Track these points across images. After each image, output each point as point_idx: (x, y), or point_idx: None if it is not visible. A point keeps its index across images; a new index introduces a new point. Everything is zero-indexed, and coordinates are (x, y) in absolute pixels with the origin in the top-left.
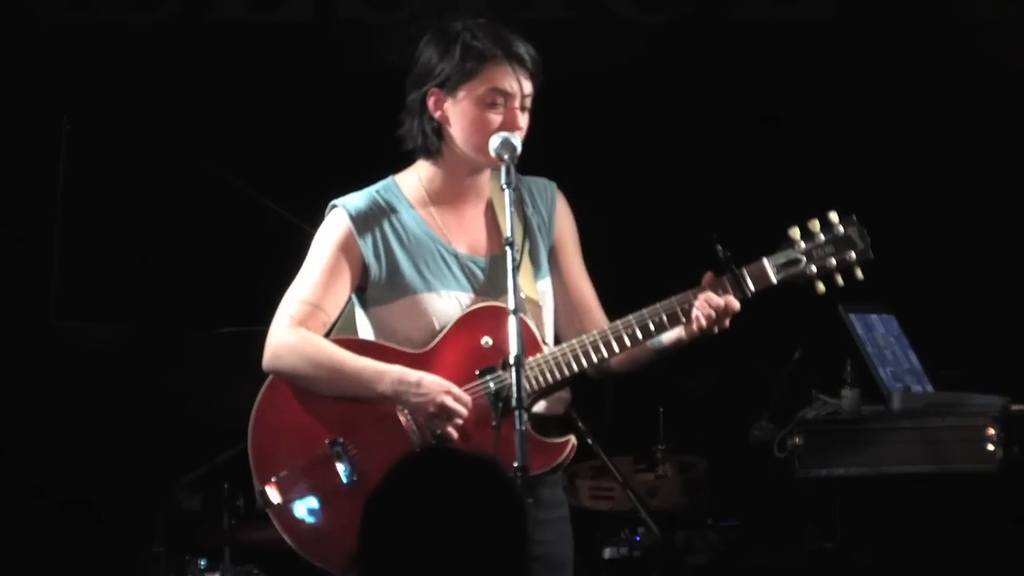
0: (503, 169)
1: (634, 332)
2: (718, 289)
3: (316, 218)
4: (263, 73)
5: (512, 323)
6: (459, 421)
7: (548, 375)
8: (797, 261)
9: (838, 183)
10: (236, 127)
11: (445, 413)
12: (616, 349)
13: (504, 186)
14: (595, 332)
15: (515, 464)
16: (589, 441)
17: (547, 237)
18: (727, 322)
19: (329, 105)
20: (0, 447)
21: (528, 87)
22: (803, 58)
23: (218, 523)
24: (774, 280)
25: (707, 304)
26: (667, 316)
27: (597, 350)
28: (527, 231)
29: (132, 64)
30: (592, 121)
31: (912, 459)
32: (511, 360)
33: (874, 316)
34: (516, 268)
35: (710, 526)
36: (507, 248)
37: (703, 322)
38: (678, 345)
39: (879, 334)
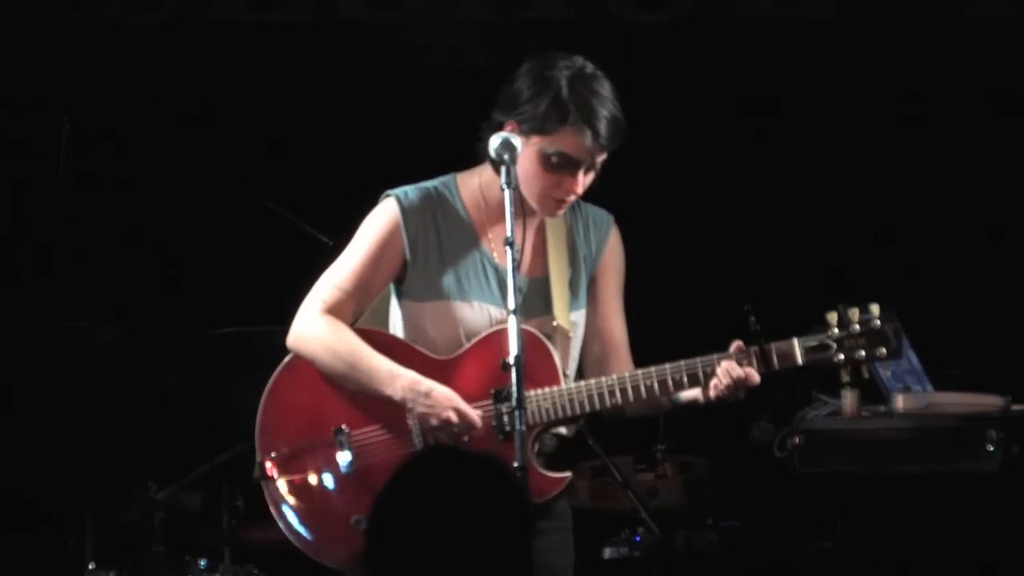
0: (503, 170)
1: (652, 385)
2: (743, 360)
3: (314, 218)
4: (263, 73)
5: (512, 323)
6: (464, 438)
7: (560, 410)
8: (827, 347)
9: (838, 183)
10: (236, 127)
11: (448, 428)
12: (631, 397)
13: (504, 186)
14: (615, 376)
15: (514, 464)
16: (589, 441)
17: (589, 268)
18: (743, 393)
19: (329, 105)
20: (0, 447)
21: (601, 156)
22: (803, 58)
23: (218, 523)
24: (800, 362)
25: (728, 374)
26: (688, 376)
27: (612, 395)
28: (571, 260)
29: (132, 64)
30: None
31: (912, 459)
32: (511, 361)
33: None
34: (516, 268)
35: (710, 526)
36: (507, 248)
37: (721, 390)
38: (693, 405)
39: None
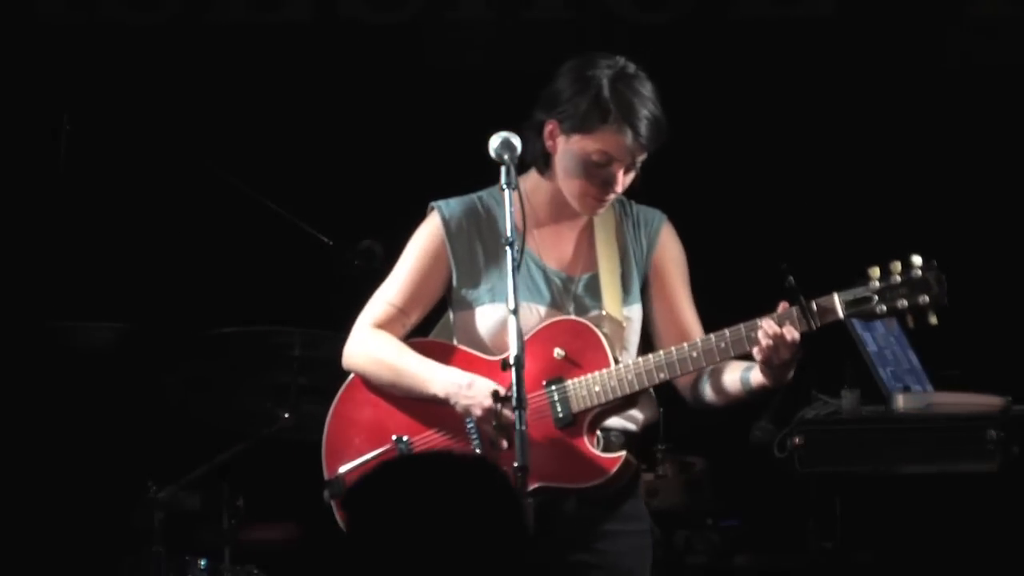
0: (503, 170)
1: (698, 355)
2: (784, 320)
3: (314, 218)
4: (263, 73)
5: (512, 323)
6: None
7: (610, 391)
8: (868, 299)
9: (838, 183)
10: (236, 127)
11: (491, 416)
12: (679, 371)
13: (504, 186)
14: (660, 352)
15: (515, 464)
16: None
17: (641, 266)
18: (788, 353)
19: (328, 105)
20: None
21: (641, 157)
22: (803, 58)
23: (218, 523)
24: (841, 315)
25: (767, 334)
26: (732, 341)
27: (660, 370)
28: (622, 257)
29: (132, 64)
30: None
31: (912, 459)
32: (511, 360)
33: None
34: (516, 268)
35: (710, 526)
36: (507, 248)
37: (764, 352)
38: (763, 387)
39: (879, 334)
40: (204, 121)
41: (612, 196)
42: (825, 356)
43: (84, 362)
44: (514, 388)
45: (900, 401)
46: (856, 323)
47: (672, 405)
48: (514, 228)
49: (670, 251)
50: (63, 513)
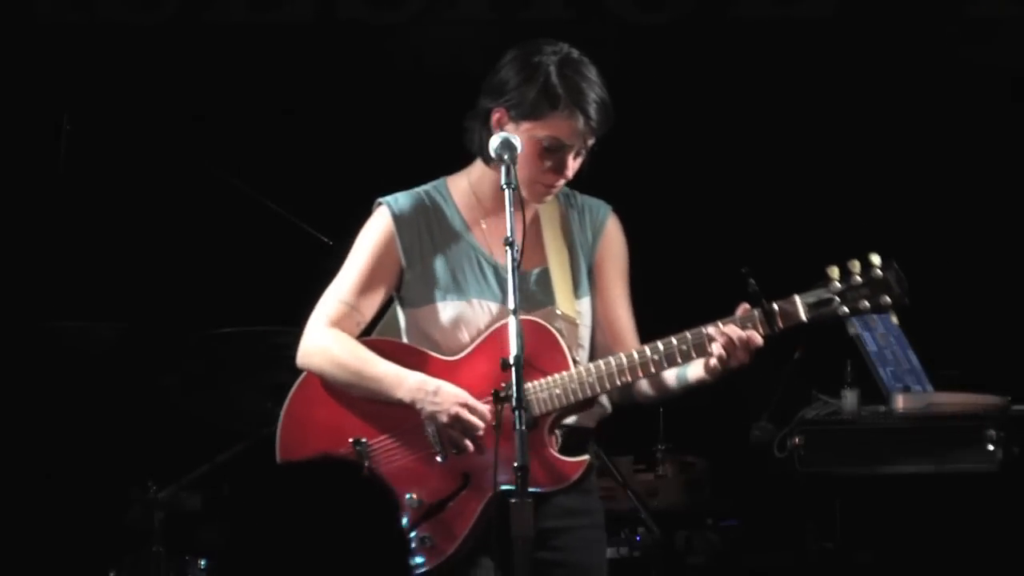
0: (503, 169)
1: (660, 359)
2: (747, 323)
3: (314, 218)
4: (263, 73)
5: (512, 324)
6: (477, 432)
7: (571, 395)
8: (830, 301)
9: (838, 182)
10: (236, 127)
11: (459, 424)
12: (640, 374)
13: (504, 186)
14: (621, 355)
15: (515, 464)
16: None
17: (587, 257)
18: (747, 356)
19: (328, 105)
20: None
21: (591, 140)
22: (804, 58)
23: (218, 523)
24: (804, 318)
25: (728, 335)
26: (694, 345)
27: (623, 373)
28: (571, 250)
29: (132, 64)
30: None
31: (912, 459)
32: (511, 360)
33: (874, 316)
34: (516, 268)
35: (710, 526)
36: (507, 248)
37: (721, 352)
38: (701, 383)
39: (879, 334)
40: (204, 121)
41: (562, 182)
42: (825, 356)
43: (84, 362)
44: (514, 389)
45: (900, 401)
46: (856, 323)
47: (672, 405)
48: (514, 228)
49: (613, 245)
50: (63, 513)
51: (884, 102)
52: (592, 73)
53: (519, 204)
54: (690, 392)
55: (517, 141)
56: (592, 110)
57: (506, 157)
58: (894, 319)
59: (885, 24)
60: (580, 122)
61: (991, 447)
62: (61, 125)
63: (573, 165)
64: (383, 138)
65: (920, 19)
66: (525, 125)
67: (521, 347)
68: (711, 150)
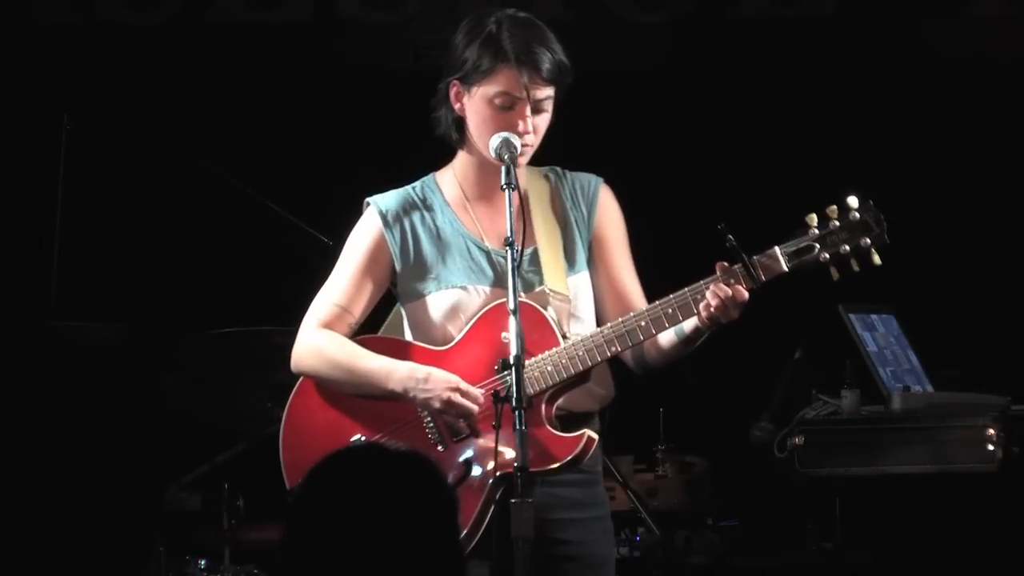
0: (503, 169)
1: (647, 324)
2: (729, 278)
3: (314, 218)
4: (263, 73)
5: (512, 324)
6: (471, 414)
7: (563, 370)
8: (810, 248)
9: (838, 182)
10: (235, 127)
11: (452, 409)
12: (630, 342)
13: (504, 186)
14: (609, 325)
15: (515, 464)
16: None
17: (585, 232)
18: (736, 312)
19: (328, 105)
20: None
21: (543, 92)
22: (804, 57)
23: (218, 523)
24: (785, 267)
25: (716, 294)
26: (679, 307)
27: (611, 344)
28: (564, 227)
29: (132, 64)
30: (592, 121)
31: (912, 459)
32: (511, 360)
33: (874, 316)
34: (516, 267)
35: (710, 526)
36: (507, 248)
37: (712, 311)
38: (697, 335)
39: (879, 334)
40: (204, 121)
41: (530, 141)
42: (825, 356)
43: (85, 362)
44: (514, 388)
45: (900, 401)
46: (856, 323)
47: (672, 405)
48: (513, 228)
49: (610, 215)
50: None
51: (884, 102)
52: (539, 28)
53: (516, 186)
54: (691, 342)
55: (517, 141)
56: (537, 59)
57: (506, 157)
58: (876, 259)
59: (885, 24)
60: (525, 73)
61: (991, 447)
62: (61, 125)
63: (537, 121)
64: (383, 138)
65: (920, 19)
66: (477, 89)
67: (521, 347)
68: (711, 150)
